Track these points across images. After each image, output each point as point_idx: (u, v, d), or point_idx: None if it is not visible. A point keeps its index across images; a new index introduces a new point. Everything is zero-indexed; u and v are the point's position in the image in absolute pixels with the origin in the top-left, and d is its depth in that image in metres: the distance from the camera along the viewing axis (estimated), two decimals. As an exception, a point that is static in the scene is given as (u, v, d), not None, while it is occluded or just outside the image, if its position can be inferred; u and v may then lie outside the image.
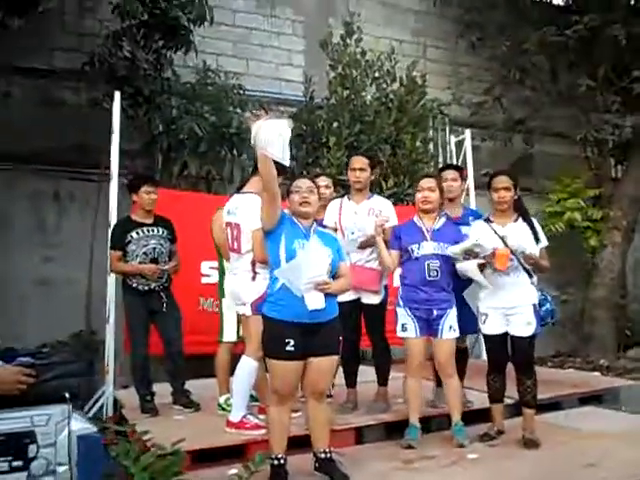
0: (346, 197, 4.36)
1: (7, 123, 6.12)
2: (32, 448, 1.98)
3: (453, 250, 3.73)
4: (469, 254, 3.71)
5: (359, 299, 4.16)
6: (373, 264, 4.14)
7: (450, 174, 4.37)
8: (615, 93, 7.81)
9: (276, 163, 4.11)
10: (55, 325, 6.18)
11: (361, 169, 4.23)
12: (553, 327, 8.89)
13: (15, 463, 1.95)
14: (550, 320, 3.95)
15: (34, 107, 6.49)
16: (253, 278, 3.78)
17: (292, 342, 3.04)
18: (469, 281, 3.99)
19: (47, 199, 6.57)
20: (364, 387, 4.38)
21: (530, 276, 3.82)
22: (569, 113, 8.19)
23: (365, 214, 4.17)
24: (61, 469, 2.00)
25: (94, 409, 4.77)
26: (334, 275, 3.19)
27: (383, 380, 4.27)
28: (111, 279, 4.89)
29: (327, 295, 3.11)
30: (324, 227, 3.79)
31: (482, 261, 3.67)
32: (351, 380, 4.33)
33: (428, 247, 3.80)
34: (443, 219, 3.96)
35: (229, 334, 4.38)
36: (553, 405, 4.71)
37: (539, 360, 7.94)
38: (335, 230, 4.10)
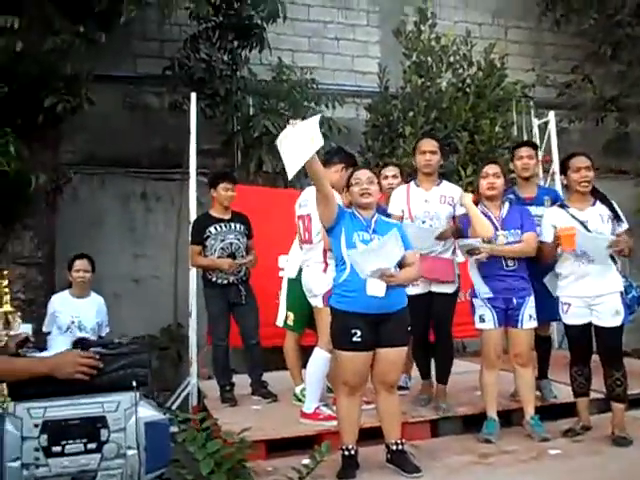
0: (412, 183, 4.09)
1: (97, 129, 6.53)
2: (104, 432, 2.10)
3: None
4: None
5: (430, 292, 3.94)
6: (447, 254, 3.96)
7: (525, 151, 4.17)
8: None
9: (345, 153, 4.14)
10: (146, 320, 6.54)
11: (432, 152, 3.96)
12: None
13: (90, 445, 2.08)
14: (637, 308, 3.68)
15: (121, 113, 6.87)
16: (324, 270, 3.80)
17: (359, 333, 3.04)
18: (549, 268, 3.81)
19: (135, 199, 6.94)
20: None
21: (615, 262, 3.58)
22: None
23: (437, 202, 3.95)
24: (130, 453, 2.11)
25: (179, 399, 5.01)
26: (400, 264, 3.15)
27: (445, 378, 4.05)
28: (193, 274, 5.09)
29: (396, 285, 3.09)
30: (388, 216, 3.70)
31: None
32: (424, 372, 4.21)
33: (501, 237, 3.69)
34: (507, 204, 3.82)
35: (278, 319, 4.48)
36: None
37: (638, 352, 7.48)
38: (401, 218, 3.90)
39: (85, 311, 4.55)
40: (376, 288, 3.00)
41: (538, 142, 6.81)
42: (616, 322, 3.51)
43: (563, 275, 3.68)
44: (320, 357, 3.77)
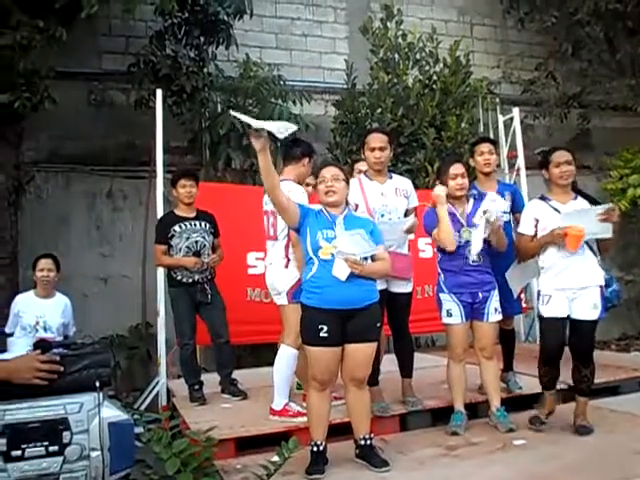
0: (363, 176, 3.99)
1: (61, 127, 6.42)
2: (66, 434, 2.07)
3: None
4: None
5: (386, 289, 3.80)
6: (403, 249, 3.93)
7: (486, 147, 4.21)
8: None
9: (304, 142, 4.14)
10: (115, 319, 6.46)
11: (381, 148, 3.83)
12: (618, 309, 8.58)
13: (51, 448, 2.04)
14: (616, 302, 3.73)
15: (86, 110, 6.77)
16: (286, 265, 3.81)
17: (325, 328, 3.04)
18: (510, 263, 3.88)
19: (101, 198, 6.84)
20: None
21: (595, 255, 3.59)
22: (629, 84, 7.76)
23: (393, 194, 3.90)
24: (94, 454, 2.08)
25: (149, 399, 4.96)
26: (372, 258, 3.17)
27: (409, 372, 4.06)
28: (161, 273, 5.03)
29: (365, 281, 3.12)
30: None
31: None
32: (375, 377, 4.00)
33: (466, 234, 3.72)
34: (471, 200, 3.86)
35: None
36: (610, 389, 4.51)
37: (602, 343, 7.68)
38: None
39: (50, 311, 4.48)
40: (340, 270, 3.02)
41: (503, 138, 6.94)
42: (593, 315, 3.50)
43: (546, 267, 3.64)
44: (287, 354, 3.79)
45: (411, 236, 4.25)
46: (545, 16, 7.62)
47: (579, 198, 3.68)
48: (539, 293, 3.70)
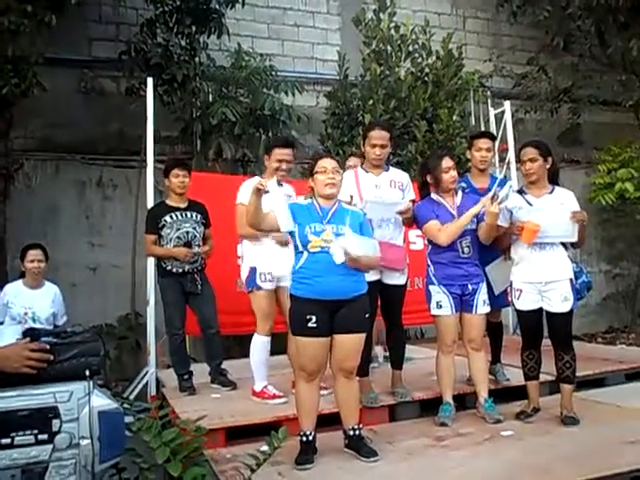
0: (360, 169, 4.02)
1: (51, 114, 6.36)
2: (56, 423, 2.06)
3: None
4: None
5: (380, 280, 3.83)
6: (398, 241, 3.94)
7: (484, 143, 4.21)
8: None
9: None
10: (104, 309, 6.45)
11: (382, 146, 3.87)
12: (605, 302, 8.68)
13: (41, 436, 2.04)
14: (586, 293, 3.79)
15: (76, 97, 6.71)
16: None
17: (314, 319, 3.06)
18: (496, 256, 3.92)
19: (91, 187, 6.80)
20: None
21: (566, 249, 3.68)
22: (620, 79, 7.81)
23: (387, 186, 3.92)
24: (84, 443, 2.08)
25: (138, 388, 4.96)
26: None
27: (400, 364, 4.09)
28: (151, 263, 5.02)
29: (354, 272, 3.13)
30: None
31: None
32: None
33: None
34: (460, 192, 3.90)
35: None
36: (596, 382, 4.57)
37: (589, 336, 7.77)
38: (349, 203, 3.74)
39: (39, 302, 4.46)
40: (337, 253, 3.03)
41: (494, 131, 6.95)
42: (565, 308, 3.60)
43: (515, 261, 3.76)
44: (255, 341, 4.08)
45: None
46: (537, 10, 7.64)
47: (556, 192, 3.73)
48: (511, 285, 3.79)
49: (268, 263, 4.00)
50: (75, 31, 6.50)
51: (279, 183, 3.87)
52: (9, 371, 1.94)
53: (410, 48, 6.76)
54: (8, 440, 1.96)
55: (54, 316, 4.50)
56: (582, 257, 8.10)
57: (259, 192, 3.07)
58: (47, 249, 4.64)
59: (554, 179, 3.79)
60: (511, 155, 6.64)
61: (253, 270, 4.07)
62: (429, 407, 3.98)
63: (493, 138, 4.47)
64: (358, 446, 3.22)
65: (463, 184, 4.09)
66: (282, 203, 3.39)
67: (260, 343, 4.06)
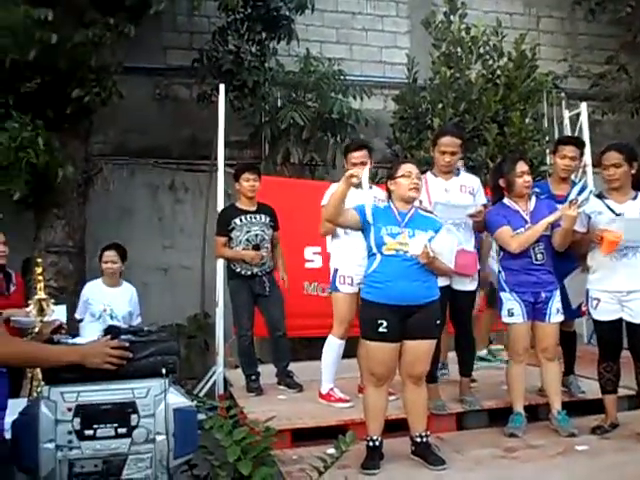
0: (430, 173, 3.95)
1: (127, 121, 6.63)
2: (134, 417, 2.13)
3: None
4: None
5: (449, 286, 3.76)
6: (468, 246, 3.86)
7: (570, 151, 4.00)
8: None
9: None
10: (174, 309, 6.64)
11: (452, 153, 3.81)
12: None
13: (120, 430, 2.11)
14: None
15: (151, 104, 6.96)
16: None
17: (385, 324, 3.04)
18: (572, 266, 3.78)
19: (164, 190, 7.03)
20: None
21: None
22: None
23: (457, 191, 3.86)
24: (159, 438, 2.14)
25: (206, 387, 5.08)
26: None
27: (469, 371, 4.03)
28: (220, 264, 5.14)
29: (426, 277, 3.12)
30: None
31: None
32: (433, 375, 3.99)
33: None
34: (533, 198, 3.78)
35: None
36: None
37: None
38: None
39: (117, 300, 4.63)
40: (414, 246, 3.05)
41: (569, 134, 6.71)
42: None
43: (593, 268, 3.61)
44: (330, 342, 4.06)
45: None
46: (619, 6, 7.31)
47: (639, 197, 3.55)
48: (588, 294, 3.64)
49: (350, 267, 3.93)
50: (151, 40, 6.73)
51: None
52: (91, 366, 2.02)
53: (481, 50, 6.62)
54: (91, 432, 2.05)
55: (130, 315, 4.67)
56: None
57: (349, 180, 3.04)
58: (126, 249, 4.81)
59: (638, 184, 3.62)
60: (587, 159, 6.39)
61: (335, 271, 4.06)
62: (498, 417, 3.88)
63: (581, 145, 4.26)
64: (425, 453, 3.18)
65: (537, 189, 3.96)
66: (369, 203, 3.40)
67: (333, 344, 4.06)
